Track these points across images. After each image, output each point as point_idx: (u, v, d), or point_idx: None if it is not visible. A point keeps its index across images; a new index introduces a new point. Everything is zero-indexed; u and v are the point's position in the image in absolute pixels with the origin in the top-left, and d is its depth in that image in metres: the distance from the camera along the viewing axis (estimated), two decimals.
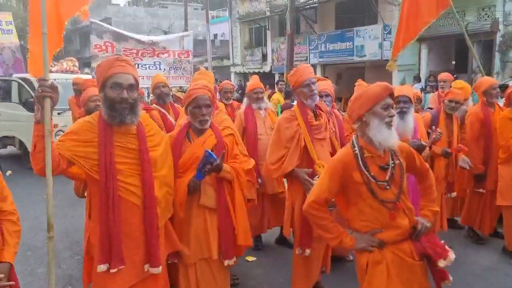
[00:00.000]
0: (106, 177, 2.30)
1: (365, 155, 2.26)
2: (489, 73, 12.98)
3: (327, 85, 4.17)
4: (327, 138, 3.45)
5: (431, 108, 5.40)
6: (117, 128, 2.37)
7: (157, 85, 4.75)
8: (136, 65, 7.79)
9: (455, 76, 8.40)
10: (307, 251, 3.28)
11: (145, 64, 8.11)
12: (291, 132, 3.32)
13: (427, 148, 3.94)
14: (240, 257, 3.21)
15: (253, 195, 4.15)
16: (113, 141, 2.35)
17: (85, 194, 3.89)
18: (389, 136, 2.24)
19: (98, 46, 7.57)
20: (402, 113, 3.74)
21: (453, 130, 4.37)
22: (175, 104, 5.18)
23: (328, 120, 3.53)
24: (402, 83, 14.24)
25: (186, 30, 20.14)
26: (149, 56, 8.29)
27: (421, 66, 15.19)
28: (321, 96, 4.03)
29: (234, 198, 2.95)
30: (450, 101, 4.33)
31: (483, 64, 13.10)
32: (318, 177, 3.22)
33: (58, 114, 8.23)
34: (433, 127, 4.10)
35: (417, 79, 13.95)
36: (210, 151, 2.73)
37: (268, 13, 20.74)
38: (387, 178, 2.25)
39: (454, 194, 4.54)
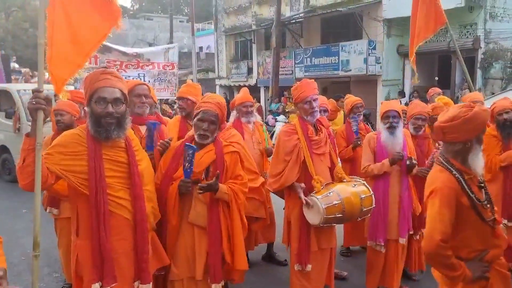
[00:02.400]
0: (96, 191, 2.23)
1: (465, 178, 2.13)
2: (471, 89, 13.17)
3: (324, 100, 4.18)
4: (326, 153, 3.42)
5: None
6: (105, 141, 2.30)
7: None
8: None
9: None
10: (309, 266, 3.24)
11: (129, 76, 8.00)
12: (290, 145, 3.29)
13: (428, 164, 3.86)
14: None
15: (263, 214, 4.13)
16: (102, 154, 2.29)
17: (49, 211, 3.74)
18: (481, 161, 2.17)
19: None
20: (392, 128, 3.69)
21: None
22: (163, 117, 5.07)
23: (329, 135, 3.50)
24: (387, 97, 14.37)
25: (171, 42, 20.09)
26: (133, 68, 8.22)
27: (405, 81, 15.36)
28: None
29: (232, 220, 2.85)
30: (431, 117, 4.24)
31: (464, 80, 13.36)
32: (315, 192, 3.15)
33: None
34: (437, 144, 4.04)
35: (402, 94, 14.08)
36: (188, 143, 2.67)
37: (254, 27, 20.82)
38: (484, 196, 2.16)
39: None
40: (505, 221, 3.96)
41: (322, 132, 3.43)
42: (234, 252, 2.85)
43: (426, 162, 3.93)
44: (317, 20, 17.80)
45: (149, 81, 8.37)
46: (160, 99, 8.53)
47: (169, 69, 8.58)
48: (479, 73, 13.10)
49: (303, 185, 3.24)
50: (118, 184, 2.34)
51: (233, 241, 2.85)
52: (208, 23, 33.01)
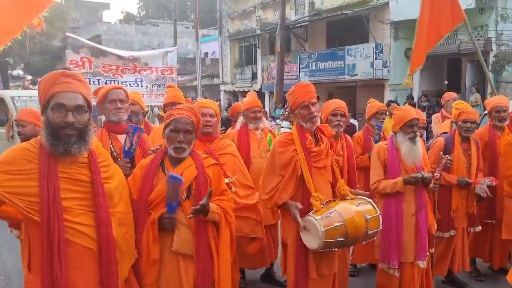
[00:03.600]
0: (48, 217, 1.85)
1: None
2: (483, 93, 12.75)
3: (342, 104, 3.83)
4: (327, 166, 2.97)
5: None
6: (63, 156, 1.93)
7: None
8: (116, 82, 7.40)
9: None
10: None
11: (125, 81, 7.64)
12: (286, 158, 2.87)
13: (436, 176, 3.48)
14: None
15: (259, 233, 3.69)
16: (57, 172, 1.91)
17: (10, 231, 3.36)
18: None
19: (74, 61, 7.10)
20: (415, 138, 3.32)
21: (472, 154, 3.89)
22: (152, 125, 4.73)
23: (331, 145, 3.05)
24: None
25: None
26: (130, 73, 7.86)
27: (413, 85, 14.92)
28: (335, 115, 3.74)
29: (218, 243, 2.46)
30: (465, 121, 3.85)
31: (477, 84, 12.91)
32: (313, 212, 2.76)
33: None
34: (442, 153, 3.66)
35: (411, 98, 13.66)
36: (173, 174, 2.26)
37: (258, 31, 20.54)
38: None
39: (479, 227, 4.04)
40: None
41: (323, 143, 2.99)
42: (220, 278, 2.45)
43: (434, 175, 3.51)
44: (322, 24, 17.46)
45: (146, 86, 8.03)
46: (156, 106, 8.19)
47: (168, 74, 8.22)
48: (491, 76, 12.64)
49: (299, 204, 2.83)
50: (78, 207, 1.97)
51: (219, 266, 2.46)
52: (213, 28, 32.85)
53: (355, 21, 15.45)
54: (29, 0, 3.05)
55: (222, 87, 24.10)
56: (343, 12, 15.15)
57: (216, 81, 25.26)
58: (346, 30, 16.50)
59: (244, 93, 22.18)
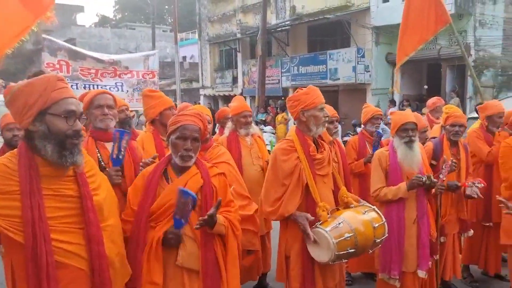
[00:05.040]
0: (34, 240, 1.66)
1: None
2: (462, 97, 12.92)
3: (333, 110, 3.74)
4: (329, 174, 2.85)
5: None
6: (47, 170, 1.74)
7: (121, 108, 4.00)
8: (95, 86, 7.09)
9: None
10: None
11: (105, 85, 7.33)
12: (289, 166, 2.71)
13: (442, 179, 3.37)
14: None
15: (257, 245, 3.55)
16: (41, 189, 1.71)
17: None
18: None
19: (51, 64, 6.76)
20: (411, 143, 3.20)
21: (461, 159, 3.84)
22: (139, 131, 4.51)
23: (330, 152, 2.95)
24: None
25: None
26: (110, 77, 7.55)
27: (394, 89, 15.03)
28: (331, 122, 3.64)
29: (227, 257, 2.30)
30: (453, 125, 3.82)
31: (457, 89, 13.09)
32: (321, 223, 2.59)
33: None
34: (445, 157, 3.56)
35: (393, 103, 13.75)
36: (183, 188, 2.09)
37: (239, 35, 20.39)
38: None
39: (471, 232, 3.97)
40: None
41: (324, 149, 2.87)
42: None
43: (440, 177, 3.40)
44: (303, 28, 17.45)
45: (127, 90, 7.74)
46: (137, 111, 7.91)
47: (149, 78, 7.95)
48: (469, 81, 12.83)
49: (309, 216, 2.67)
50: (66, 226, 1.78)
51: (228, 282, 2.29)
52: (191, 32, 32.58)
53: (336, 26, 15.48)
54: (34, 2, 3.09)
55: (202, 91, 23.83)
56: (325, 16, 15.15)
57: (195, 85, 24.98)
58: (328, 35, 16.51)
59: (224, 97, 22.12)
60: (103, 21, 47.14)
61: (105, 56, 7.55)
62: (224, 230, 2.27)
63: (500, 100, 10.46)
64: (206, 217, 2.11)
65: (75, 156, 1.79)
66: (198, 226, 2.12)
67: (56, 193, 1.77)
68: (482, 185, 3.66)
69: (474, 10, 12.64)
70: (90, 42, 32.70)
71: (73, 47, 7.37)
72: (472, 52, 12.77)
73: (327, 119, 2.83)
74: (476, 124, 4.44)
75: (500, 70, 12.85)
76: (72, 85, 6.72)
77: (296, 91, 2.89)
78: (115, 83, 7.63)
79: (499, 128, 4.22)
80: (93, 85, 7.06)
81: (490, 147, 4.14)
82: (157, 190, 2.23)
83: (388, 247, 3.18)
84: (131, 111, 4.42)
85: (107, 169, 2.50)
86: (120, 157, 2.52)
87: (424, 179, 3.15)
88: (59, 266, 1.72)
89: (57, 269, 1.71)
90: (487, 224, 4.14)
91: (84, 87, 6.85)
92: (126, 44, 34.16)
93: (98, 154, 2.62)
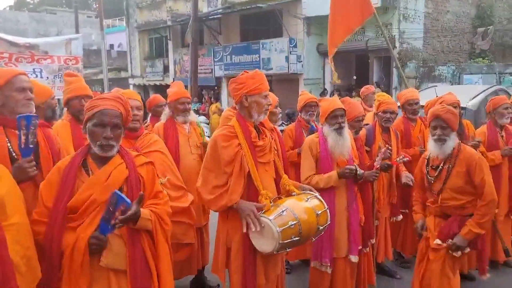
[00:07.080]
0: None
1: None
2: (388, 88, 13.54)
3: (275, 98, 3.70)
4: (271, 161, 2.75)
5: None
6: None
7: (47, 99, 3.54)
8: None
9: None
10: None
11: None
12: (230, 153, 2.58)
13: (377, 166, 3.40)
14: None
15: (192, 238, 3.37)
16: None
17: None
18: None
19: None
20: (341, 129, 3.19)
21: (392, 145, 3.93)
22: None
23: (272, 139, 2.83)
24: None
25: None
26: (27, 62, 6.88)
27: (325, 80, 15.43)
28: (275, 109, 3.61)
29: (157, 254, 2.11)
30: (385, 112, 3.93)
31: (384, 79, 13.70)
32: (263, 211, 2.48)
33: None
34: (380, 144, 3.60)
35: (324, 93, 14.08)
36: (119, 192, 1.86)
37: (169, 23, 19.75)
38: None
39: (400, 217, 4.11)
40: None
41: (266, 136, 2.77)
42: None
43: (374, 164, 3.44)
44: (236, 17, 17.29)
45: (47, 77, 7.10)
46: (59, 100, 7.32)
47: (72, 64, 7.35)
48: (395, 72, 13.47)
49: (257, 204, 2.55)
50: None
51: (160, 280, 2.11)
52: (119, 19, 31.07)
53: (269, 15, 15.50)
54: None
55: (131, 81, 22.85)
56: (257, 5, 15.09)
57: (124, 74, 23.92)
58: (260, 24, 16.50)
59: (155, 87, 21.37)
60: (20, 4, 43.50)
61: (20, 39, 6.86)
62: (150, 225, 2.08)
63: (420, 91, 11.15)
64: (127, 215, 1.90)
65: None
66: (120, 224, 1.91)
67: None
68: (407, 159, 3.76)
69: (399, 3, 13.24)
70: (5, 26, 30.13)
71: None
72: (397, 44, 13.40)
73: (269, 107, 2.74)
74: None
75: (421, 62, 13.63)
76: None
77: (241, 74, 2.73)
78: (33, 69, 6.97)
79: (418, 115, 4.36)
80: None
81: (410, 134, 4.29)
82: (76, 183, 1.98)
83: (320, 235, 3.17)
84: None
85: (18, 161, 2.17)
86: (30, 145, 2.17)
87: (354, 167, 3.18)
88: None
89: None
90: (404, 211, 4.27)
91: None
92: (46, 30, 31.91)
93: (8, 144, 2.26)
